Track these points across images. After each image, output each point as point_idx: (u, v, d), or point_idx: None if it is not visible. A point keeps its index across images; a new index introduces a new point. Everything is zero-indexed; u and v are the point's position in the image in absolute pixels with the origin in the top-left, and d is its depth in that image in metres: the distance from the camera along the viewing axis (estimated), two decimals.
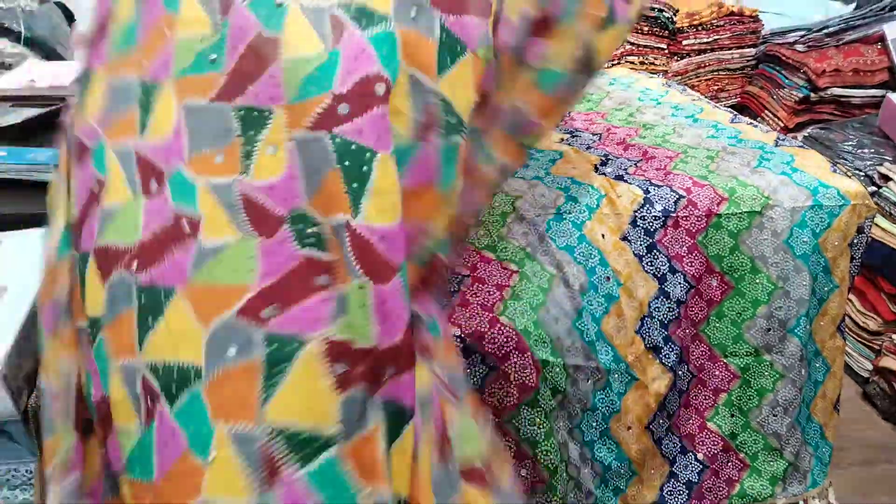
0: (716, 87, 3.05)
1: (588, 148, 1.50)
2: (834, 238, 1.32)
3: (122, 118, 0.75)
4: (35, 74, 1.79)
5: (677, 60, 2.97)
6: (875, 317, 2.00)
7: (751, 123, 1.68)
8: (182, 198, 0.69)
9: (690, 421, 1.32)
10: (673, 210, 1.26)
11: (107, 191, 0.74)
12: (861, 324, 2.03)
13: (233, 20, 0.68)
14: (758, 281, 1.30)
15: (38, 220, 1.19)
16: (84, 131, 0.78)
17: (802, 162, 1.41)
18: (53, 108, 1.64)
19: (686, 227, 1.26)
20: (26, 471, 0.95)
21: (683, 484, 1.31)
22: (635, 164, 1.39)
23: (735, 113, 1.75)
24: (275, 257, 0.67)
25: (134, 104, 0.73)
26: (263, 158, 0.67)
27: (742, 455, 1.35)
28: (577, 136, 1.57)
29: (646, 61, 2.90)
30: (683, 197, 1.27)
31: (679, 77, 2.92)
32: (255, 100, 0.67)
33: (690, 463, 1.32)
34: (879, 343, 1.98)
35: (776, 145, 1.51)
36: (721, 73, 3.03)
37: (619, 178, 1.33)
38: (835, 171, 1.39)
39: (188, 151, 0.69)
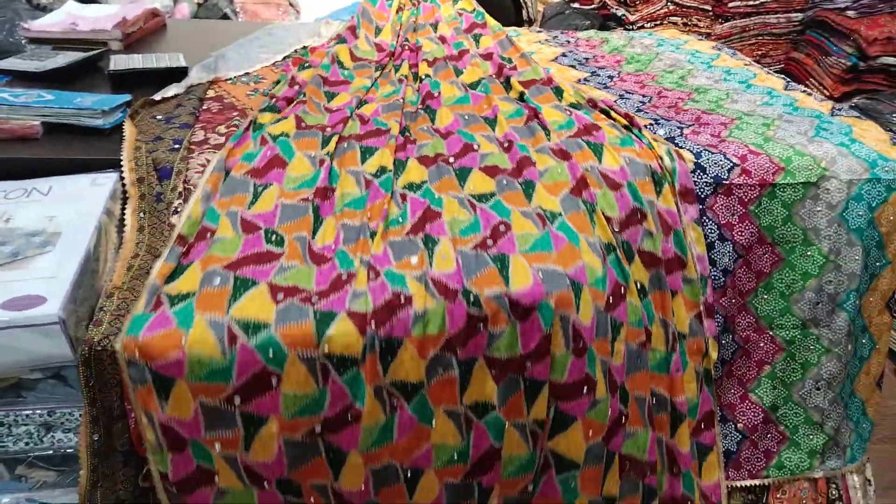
0: (759, 53, 2.97)
1: (638, 111, 1.46)
2: (890, 213, 1.28)
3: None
4: (76, 17, 1.77)
5: (721, 23, 2.88)
6: None
7: (804, 91, 1.63)
8: None
9: (732, 391, 1.31)
10: (726, 177, 1.23)
11: None
12: None
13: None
14: (809, 253, 1.27)
15: (86, 165, 1.19)
16: None
17: (861, 133, 1.37)
18: (96, 52, 1.63)
19: (739, 195, 1.23)
20: (80, 415, 0.96)
21: (722, 453, 1.31)
22: (687, 128, 1.35)
23: (788, 79, 1.70)
24: None
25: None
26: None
27: (782, 427, 1.34)
28: (627, 98, 1.54)
29: (689, 23, 2.82)
30: (738, 165, 1.24)
31: (721, 40, 2.84)
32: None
33: (730, 433, 1.31)
34: None
35: (832, 115, 1.46)
36: (765, 37, 2.95)
37: (671, 141, 1.30)
38: (895, 143, 1.35)
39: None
